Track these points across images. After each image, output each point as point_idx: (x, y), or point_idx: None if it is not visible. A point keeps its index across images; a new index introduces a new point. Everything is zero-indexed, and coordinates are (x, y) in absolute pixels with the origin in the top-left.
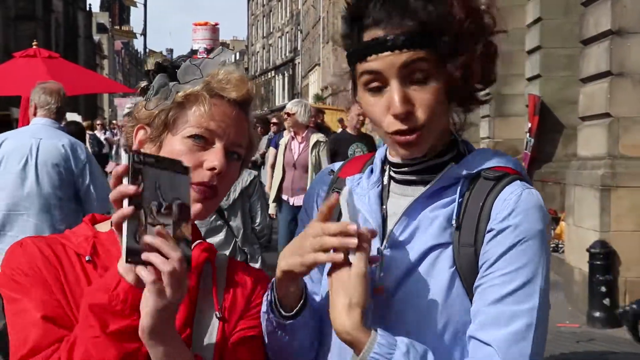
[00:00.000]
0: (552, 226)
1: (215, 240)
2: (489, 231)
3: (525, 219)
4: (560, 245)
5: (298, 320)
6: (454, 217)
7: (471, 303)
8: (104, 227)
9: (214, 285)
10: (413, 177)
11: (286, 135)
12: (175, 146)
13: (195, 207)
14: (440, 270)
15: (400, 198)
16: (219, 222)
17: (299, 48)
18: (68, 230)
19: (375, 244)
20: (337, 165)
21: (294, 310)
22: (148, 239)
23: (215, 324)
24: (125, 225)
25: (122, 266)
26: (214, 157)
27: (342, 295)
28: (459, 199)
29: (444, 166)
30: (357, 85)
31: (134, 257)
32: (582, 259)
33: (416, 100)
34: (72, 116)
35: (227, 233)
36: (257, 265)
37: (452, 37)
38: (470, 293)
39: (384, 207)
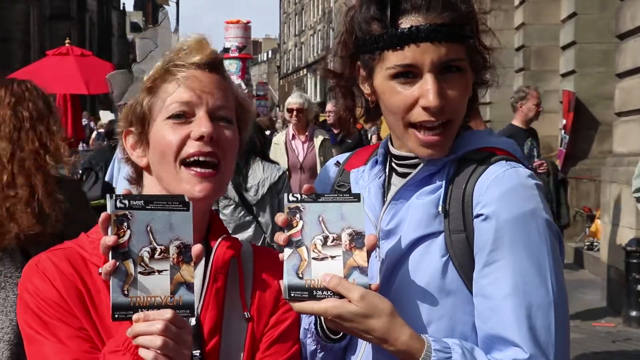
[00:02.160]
0: (587, 224)
1: (244, 236)
2: (477, 216)
3: (505, 204)
4: (595, 244)
5: (343, 342)
6: (440, 203)
7: (470, 292)
8: None
9: (241, 284)
10: (410, 170)
11: (282, 133)
12: (158, 133)
13: (199, 188)
14: (431, 260)
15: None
16: (247, 218)
17: (331, 46)
18: (84, 236)
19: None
20: (343, 156)
21: (341, 334)
22: (135, 317)
23: (244, 325)
24: (110, 280)
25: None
26: (198, 125)
27: (368, 318)
28: (445, 184)
29: None
30: (373, 71)
31: (121, 312)
32: (618, 257)
33: (447, 94)
34: (105, 114)
35: (255, 229)
36: None
37: (477, 32)
38: (468, 281)
39: (385, 198)
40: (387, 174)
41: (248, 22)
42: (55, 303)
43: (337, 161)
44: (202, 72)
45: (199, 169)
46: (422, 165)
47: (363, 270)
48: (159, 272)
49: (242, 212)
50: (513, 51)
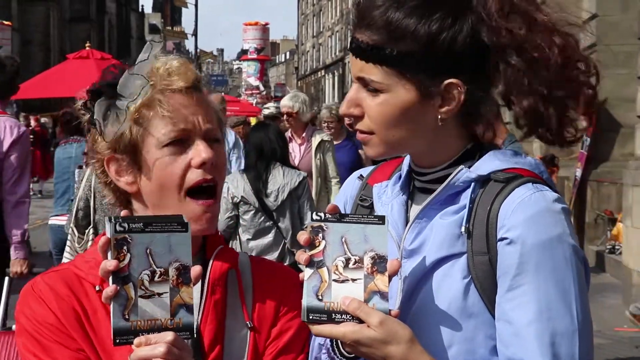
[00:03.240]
0: (609, 227)
1: (264, 241)
2: (501, 240)
3: (533, 228)
4: (617, 247)
5: None
6: (464, 223)
7: (492, 315)
8: None
9: (241, 294)
10: (429, 186)
11: None
12: (155, 163)
13: (203, 219)
14: (453, 281)
15: (420, 207)
16: (267, 224)
17: (349, 47)
18: (80, 256)
19: (395, 254)
20: (367, 170)
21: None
22: (135, 341)
23: (246, 335)
24: (111, 305)
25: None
26: (198, 152)
27: (387, 344)
28: (469, 205)
29: None
30: None
31: (122, 337)
32: None
33: (365, 108)
34: None
35: (275, 234)
36: None
37: (429, 54)
38: (490, 304)
39: (408, 215)
40: (410, 190)
41: (266, 24)
42: (52, 326)
43: (361, 175)
44: (188, 96)
45: (203, 200)
46: (445, 182)
47: (384, 296)
48: (159, 294)
49: (262, 218)
50: None
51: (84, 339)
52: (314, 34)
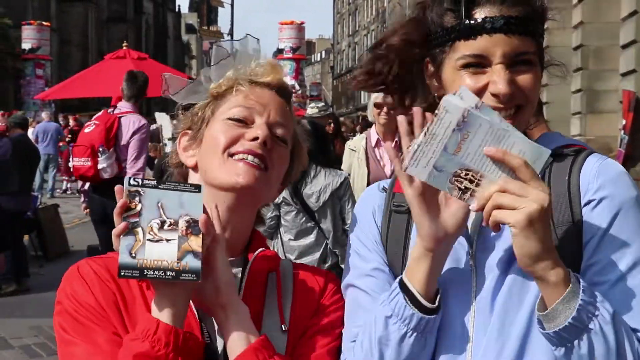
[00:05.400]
0: None
1: (305, 242)
2: (587, 203)
3: (619, 186)
4: None
5: (438, 316)
6: None
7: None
8: None
9: (279, 298)
10: None
11: (360, 137)
12: (213, 130)
13: (243, 174)
14: None
15: None
16: (309, 224)
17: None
18: None
19: (465, 247)
20: (385, 182)
21: (437, 304)
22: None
23: (282, 338)
24: (120, 242)
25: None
26: (254, 129)
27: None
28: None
29: None
30: (442, 64)
31: (127, 271)
32: None
33: (517, 83)
34: (160, 116)
35: (317, 235)
36: None
37: (544, 29)
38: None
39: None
40: None
41: (302, 23)
42: (92, 307)
43: (384, 187)
44: (270, 91)
45: (246, 161)
46: None
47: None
48: (167, 240)
49: (304, 218)
50: (570, 50)
51: (120, 324)
52: (350, 33)
